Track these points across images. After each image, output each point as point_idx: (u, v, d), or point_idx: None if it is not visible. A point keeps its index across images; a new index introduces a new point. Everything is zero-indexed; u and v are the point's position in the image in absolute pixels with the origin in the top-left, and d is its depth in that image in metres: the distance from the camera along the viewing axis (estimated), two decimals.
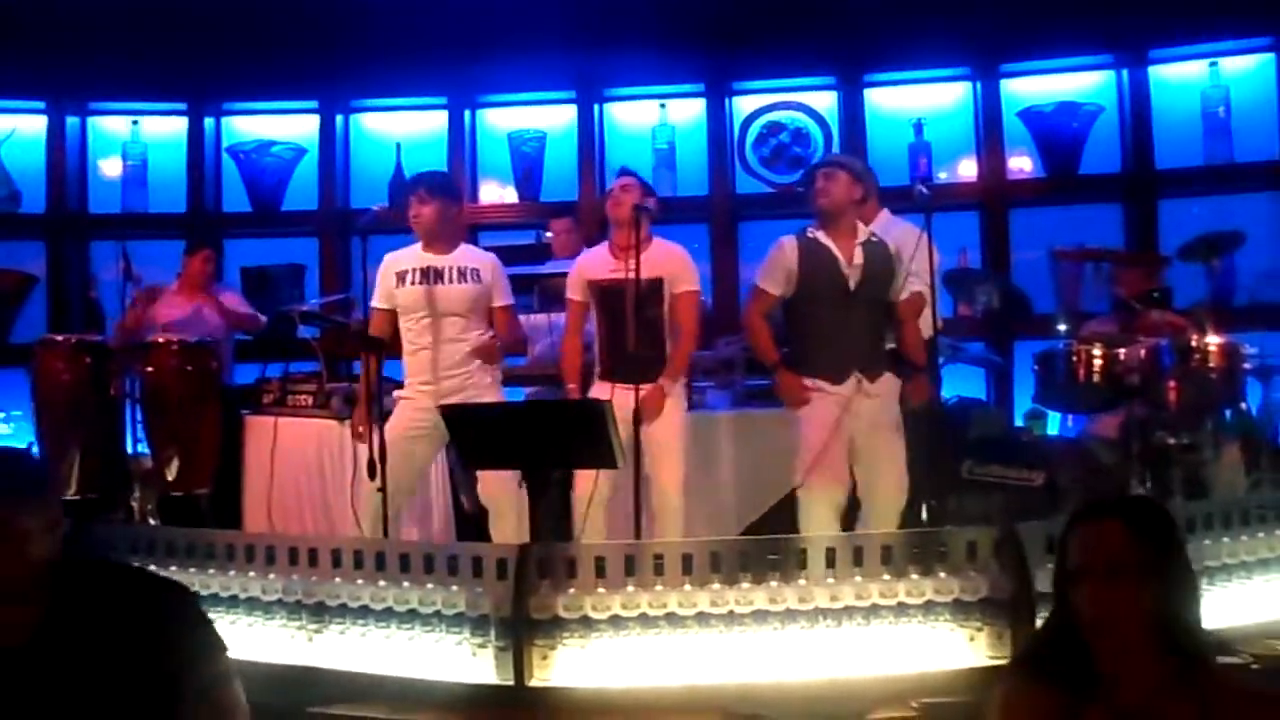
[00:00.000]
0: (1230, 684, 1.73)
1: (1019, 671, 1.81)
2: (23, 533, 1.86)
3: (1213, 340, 4.18)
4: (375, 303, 4.15)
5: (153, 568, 3.24)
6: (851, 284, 3.89)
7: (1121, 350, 4.26)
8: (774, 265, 4.01)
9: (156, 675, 1.94)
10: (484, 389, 4.12)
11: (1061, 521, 1.81)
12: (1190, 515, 3.23)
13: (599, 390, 4.03)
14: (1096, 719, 1.66)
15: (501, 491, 3.99)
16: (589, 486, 3.85)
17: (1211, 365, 4.15)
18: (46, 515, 1.90)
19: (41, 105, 6.52)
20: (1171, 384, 4.15)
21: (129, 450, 4.67)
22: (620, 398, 3.75)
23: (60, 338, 4.89)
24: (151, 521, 4.53)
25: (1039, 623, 1.80)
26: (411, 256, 4.16)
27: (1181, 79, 6.12)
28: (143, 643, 1.93)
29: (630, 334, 3.92)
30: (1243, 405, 4.51)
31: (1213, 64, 6.01)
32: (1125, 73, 6.12)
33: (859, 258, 3.91)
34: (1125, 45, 6.07)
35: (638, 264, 3.81)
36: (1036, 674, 1.74)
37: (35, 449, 4.77)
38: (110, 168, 6.67)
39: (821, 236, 3.96)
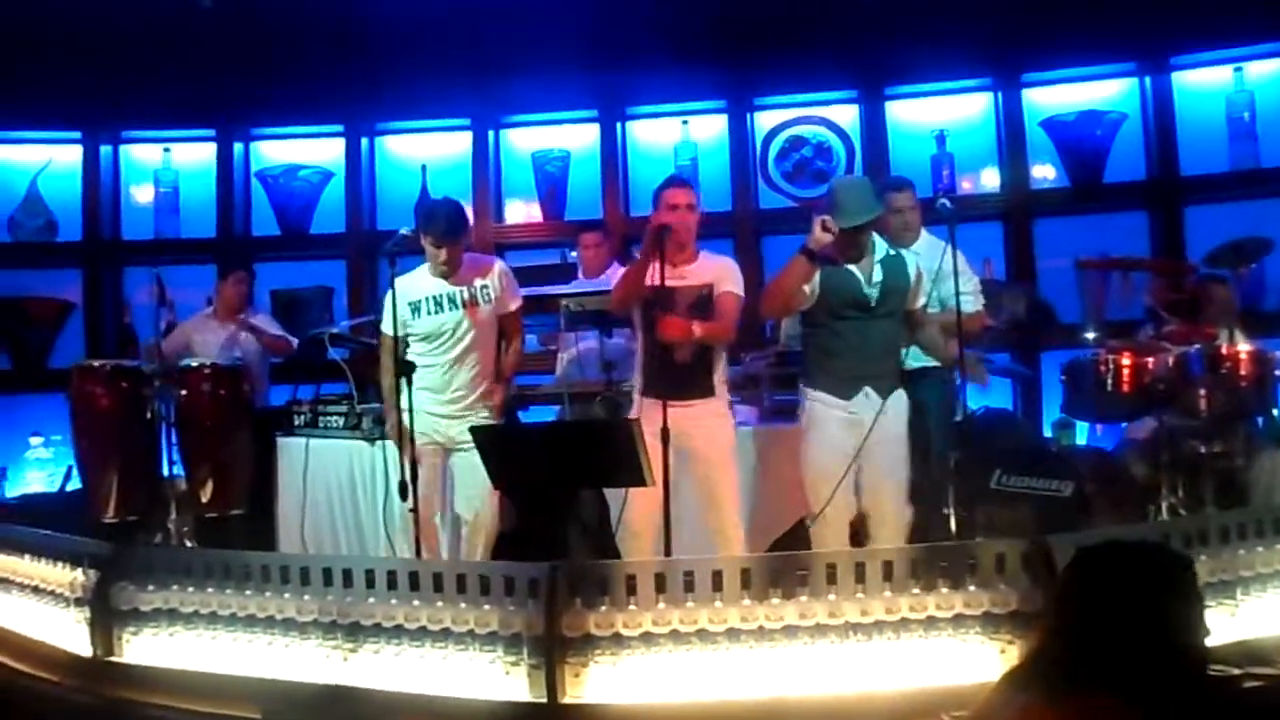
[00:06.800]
0: None
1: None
2: None
3: (1243, 347, 4.16)
4: (386, 329, 4.16)
5: (190, 590, 3.31)
6: (872, 302, 3.86)
7: (1149, 359, 4.25)
8: None
9: None
10: (493, 411, 4.21)
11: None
12: (1224, 524, 3.21)
13: (636, 409, 3.95)
14: None
15: (480, 505, 4.05)
16: (643, 514, 3.74)
17: (1242, 372, 4.13)
18: None
19: (76, 135, 6.67)
20: (1201, 392, 4.13)
21: (165, 473, 4.73)
22: (650, 414, 3.65)
23: (97, 363, 4.95)
24: (188, 544, 4.59)
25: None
26: (424, 283, 4.20)
27: (1205, 85, 6.09)
28: None
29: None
30: (1275, 412, 4.48)
31: (1237, 69, 5.99)
32: (1148, 80, 6.11)
33: (878, 275, 3.87)
34: (1148, 52, 6.06)
35: (663, 272, 3.70)
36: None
37: (75, 472, 4.84)
38: (143, 195, 6.82)
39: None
